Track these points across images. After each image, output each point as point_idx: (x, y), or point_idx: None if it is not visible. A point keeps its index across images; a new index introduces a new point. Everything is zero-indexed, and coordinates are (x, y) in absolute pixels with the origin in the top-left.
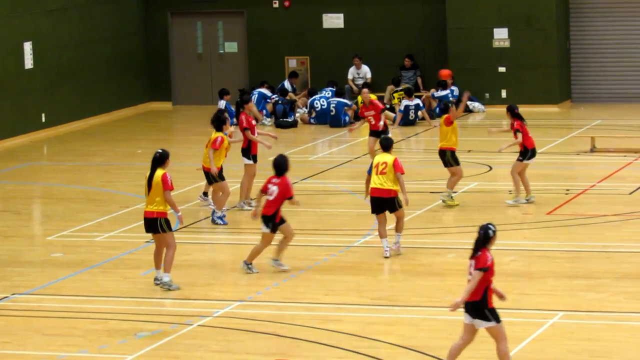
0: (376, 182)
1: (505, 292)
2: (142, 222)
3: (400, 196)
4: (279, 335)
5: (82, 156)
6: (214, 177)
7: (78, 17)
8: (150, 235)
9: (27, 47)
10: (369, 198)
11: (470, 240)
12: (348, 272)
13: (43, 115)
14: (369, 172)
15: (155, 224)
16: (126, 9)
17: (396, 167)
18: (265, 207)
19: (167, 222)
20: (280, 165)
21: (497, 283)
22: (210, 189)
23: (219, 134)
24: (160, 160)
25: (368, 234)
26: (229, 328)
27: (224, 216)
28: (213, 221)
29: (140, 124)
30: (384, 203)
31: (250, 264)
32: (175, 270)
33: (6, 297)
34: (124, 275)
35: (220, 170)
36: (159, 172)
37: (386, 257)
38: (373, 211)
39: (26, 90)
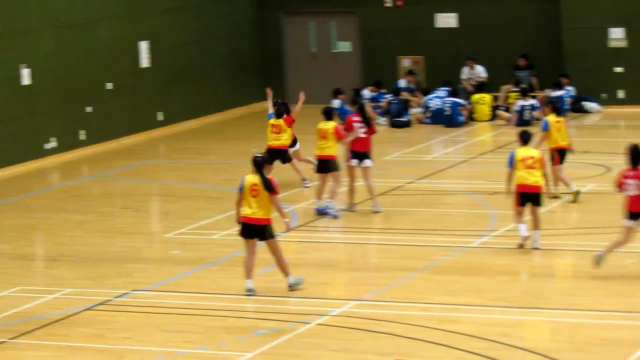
0: (525, 176)
1: (627, 295)
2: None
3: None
4: (396, 335)
5: (198, 154)
6: (331, 166)
7: (193, 16)
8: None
9: (144, 46)
10: (512, 191)
11: (591, 242)
12: (465, 273)
13: (159, 113)
14: (510, 165)
15: (264, 230)
16: (240, 8)
17: (543, 162)
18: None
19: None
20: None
21: (617, 286)
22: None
23: (333, 123)
24: (262, 164)
25: (485, 234)
26: (347, 327)
27: (335, 208)
28: (324, 212)
29: (254, 122)
30: (530, 197)
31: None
32: (292, 269)
33: (126, 293)
34: (241, 273)
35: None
36: (266, 177)
37: (522, 246)
38: (519, 204)
39: (142, 89)
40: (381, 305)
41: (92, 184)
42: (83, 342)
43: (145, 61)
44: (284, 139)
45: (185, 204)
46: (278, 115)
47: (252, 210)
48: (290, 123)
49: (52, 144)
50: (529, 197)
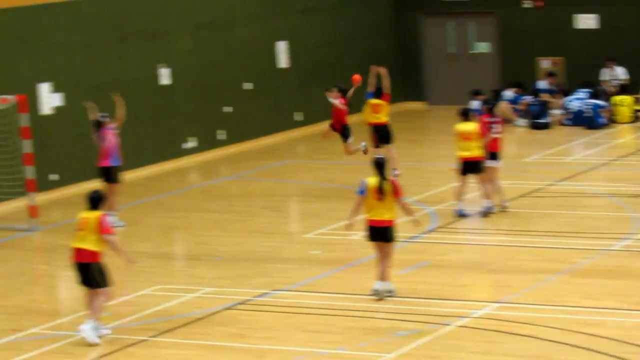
0: None
1: None
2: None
3: None
4: (538, 338)
5: (336, 155)
6: (478, 168)
7: (331, 16)
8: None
9: (282, 46)
10: None
11: None
12: (607, 276)
13: (297, 114)
14: None
15: (387, 232)
16: (378, 9)
17: None
18: None
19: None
20: None
21: None
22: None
23: (474, 124)
24: (383, 165)
25: (627, 237)
26: (488, 329)
27: (491, 207)
28: (463, 214)
29: (394, 123)
30: None
31: None
32: (432, 270)
33: (267, 293)
34: None
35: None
36: (388, 179)
37: None
38: None
39: (281, 89)
40: (522, 308)
41: (232, 184)
42: (223, 341)
43: (283, 61)
44: (383, 118)
45: (325, 204)
46: (377, 95)
47: (376, 213)
48: (387, 99)
49: (191, 143)
50: None
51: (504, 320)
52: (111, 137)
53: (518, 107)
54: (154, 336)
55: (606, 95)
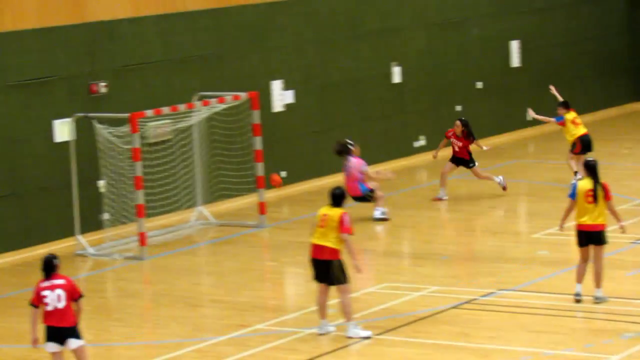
0: None
1: None
2: (627, 222)
3: None
4: None
5: (566, 155)
6: None
7: (565, 16)
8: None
9: (515, 45)
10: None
11: None
12: None
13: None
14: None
15: (600, 236)
16: (612, 7)
17: None
18: None
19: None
20: None
21: None
22: None
23: None
24: (595, 169)
25: None
26: None
27: None
28: None
29: (625, 123)
30: None
31: None
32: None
33: (493, 292)
34: (609, 275)
35: None
36: (601, 182)
37: None
38: None
39: (513, 88)
40: None
41: (460, 183)
42: (448, 339)
43: (516, 60)
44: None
45: (553, 204)
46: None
47: (588, 217)
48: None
49: (422, 142)
50: None
51: None
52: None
53: None
54: (379, 334)
55: None
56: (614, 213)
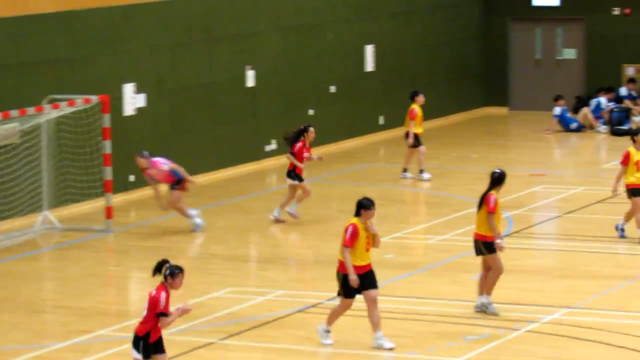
0: None
1: None
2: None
3: None
4: (607, 344)
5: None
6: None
7: (419, 20)
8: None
9: (370, 49)
10: None
11: None
12: None
13: (380, 117)
14: None
15: (476, 247)
16: (468, 14)
17: None
18: None
19: (485, 244)
20: None
21: None
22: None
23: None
24: (498, 180)
25: None
26: (558, 335)
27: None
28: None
29: (475, 128)
30: None
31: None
32: (504, 275)
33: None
34: (454, 279)
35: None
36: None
37: None
38: None
39: (366, 92)
40: (592, 313)
41: (310, 187)
42: (293, 344)
43: (370, 65)
44: None
45: (402, 208)
46: None
47: (475, 226)
48: None
49: (273, 146)
50: None
51: (573, 325)
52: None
53: (600, 113)
54: (223, 339)
55: None
56: (490, 226)
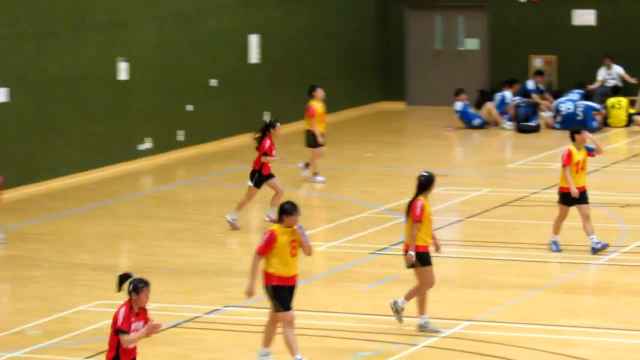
0: None
1: None
2: (367, 232)
3: None
4: None
5: (306, 158)
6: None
7: (309, 9)
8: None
9: (254, 39)
10: None
11: None
12: (590, 292)
13: (265, 113)
14: None
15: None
16: (361, 0)
17: None
18: None
19: (417, 254)
20: None
21: None
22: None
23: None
24: (425, 185)
25: (614, 250)
26: (458, 350)
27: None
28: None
29: (370, 125)
30: None
31: None
32: (401, 285)
33: (217, 309)
34: (346, 289)
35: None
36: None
37: None
38: None
39: (250, 86)
40: (496, 327)
41: (188, 189)
42: None
43: (254, 56)
44: None
45: None
46: None
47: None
48: None
49: (147, 144)
50: None
51: (476, 340)
52: None
53: (505, 109)
54: (89, 357)
55: (600, 97)
56: (411, 235)
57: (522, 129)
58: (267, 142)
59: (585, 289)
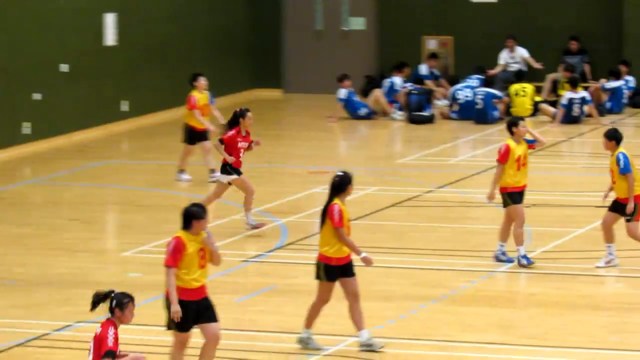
0: None
1: None
2: (239, 236)
3: None
4: None
5: (170, 154)
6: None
7: None
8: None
9: (110, 19)
10: None
11: None
12: (491, 304)
13: (123, 102)
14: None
15: (317, 270)
16: None
17: None
18: None
19: (326, 267)
20: None
21: None
22: None
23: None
24: (340, 186)
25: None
26: None
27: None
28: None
29: None
30: None
31: None
32: (278, 296)
33: (70, 325)
34: (215, 302)
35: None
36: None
37: None
38: None
39: (106, 72)
40: (386, 343)
41: (35, 189)
42: None
43: (110, 38)
44: None
45: (151, 215)
46: None
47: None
48: None
49: None
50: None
51: (361, 358)
52: None
53: (395, 96)
54: None
55: (502, 83)
56: (346, 243)
57: (414, 120)
58: (231, 132)
59: (485, 300)
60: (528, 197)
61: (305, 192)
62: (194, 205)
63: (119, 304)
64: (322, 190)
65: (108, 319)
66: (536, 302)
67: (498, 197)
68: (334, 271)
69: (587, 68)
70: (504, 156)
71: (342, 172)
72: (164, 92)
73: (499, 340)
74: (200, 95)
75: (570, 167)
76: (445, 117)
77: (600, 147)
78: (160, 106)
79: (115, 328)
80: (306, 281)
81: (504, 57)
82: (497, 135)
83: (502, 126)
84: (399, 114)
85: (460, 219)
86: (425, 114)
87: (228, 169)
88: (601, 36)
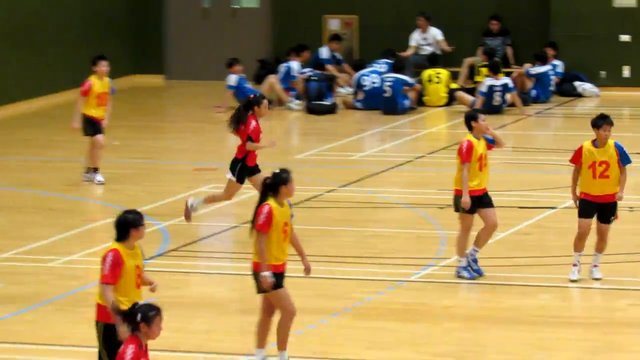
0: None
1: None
2: None
3: None
4: None
5: (37, 149)
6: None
7: None
8: None
9: None
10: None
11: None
12: (400, 318)
13: None
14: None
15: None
16: None
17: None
18: None
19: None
20: None
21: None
22: None
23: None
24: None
25: (430, 264)
26: None
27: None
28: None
29: (119, 104)
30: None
31: None
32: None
33: None
34: (87, 316)
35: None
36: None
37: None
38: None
39: None
40: None
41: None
42: None
43: None
44: None
45: (13, 217)
46: None
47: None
48: None
49: None
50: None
51: None
52: None
53: (292, 83)
54: None
55: (413, 68)
56: (259, 249)
57: (313, 109)
58: (253, 123)
59: (394, 313)
60: (439, 198)
61: (190, 192)
62: (129, 212)
63: (144, 318)
64: (209, 189)
65: (131, 336)
66: (452, 315)
67: (410, 197)
68: (275, 278)
69: (509, 51)
70: (468, 154)
71: (279, 169)
72: (30, 78)
73: (409, 358)
74: (99, 81)
75: (490, 164)
76: (349, 106)
77: (524, 141)
78: (25, 95)
79: (138, 347)
80: (189, 292)
81: (415, 38)
82: (407, 127)
83: (413, 117)
84: (297, 103)
85: (366, 221)
86: (326, 102)
87: (244, 168)
88: (525, 15)
